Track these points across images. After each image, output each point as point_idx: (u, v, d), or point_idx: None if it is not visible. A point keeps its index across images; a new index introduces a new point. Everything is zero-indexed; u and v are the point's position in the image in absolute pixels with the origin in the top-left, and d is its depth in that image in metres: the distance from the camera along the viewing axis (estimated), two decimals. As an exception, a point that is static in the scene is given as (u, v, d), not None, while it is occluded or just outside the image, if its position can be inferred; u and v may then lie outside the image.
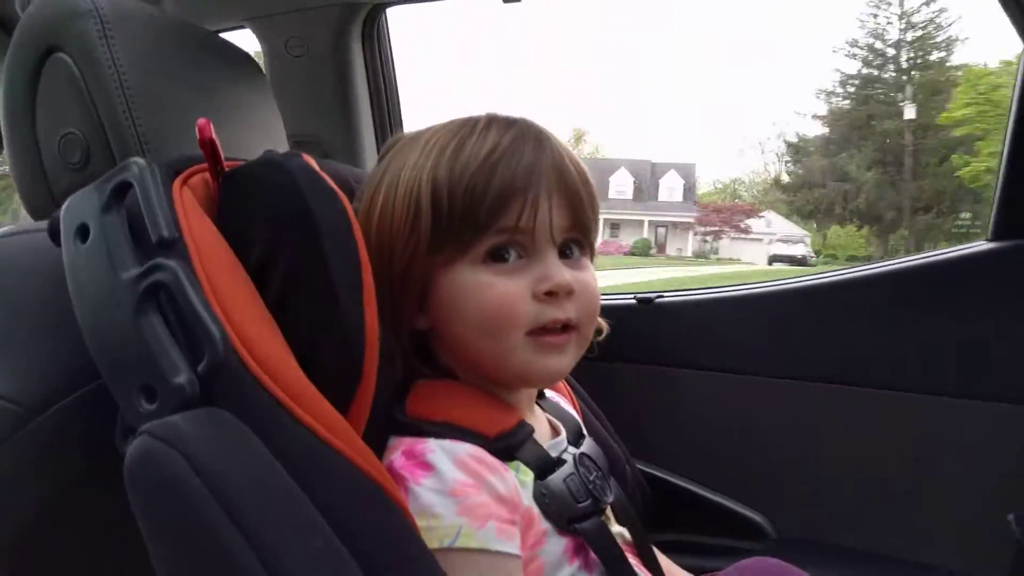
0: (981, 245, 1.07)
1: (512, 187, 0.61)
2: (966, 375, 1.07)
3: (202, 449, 0.45)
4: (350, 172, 0.79)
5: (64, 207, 0.56)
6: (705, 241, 22.90)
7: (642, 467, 1.10)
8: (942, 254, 1.10)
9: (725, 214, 22.95)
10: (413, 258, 0.62)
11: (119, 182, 0.54)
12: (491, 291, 0.61)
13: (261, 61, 1.32)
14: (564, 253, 0.65)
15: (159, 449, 0.44)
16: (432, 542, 0.54)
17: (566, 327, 0.63)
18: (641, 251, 21.47)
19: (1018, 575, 0.96)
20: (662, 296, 1.25)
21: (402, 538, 0.52)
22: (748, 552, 0.95)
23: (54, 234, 0.56)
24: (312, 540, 0.46)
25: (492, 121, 0.64)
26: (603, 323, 0.72)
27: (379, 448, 0.61)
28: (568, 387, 0.91)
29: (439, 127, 0.66)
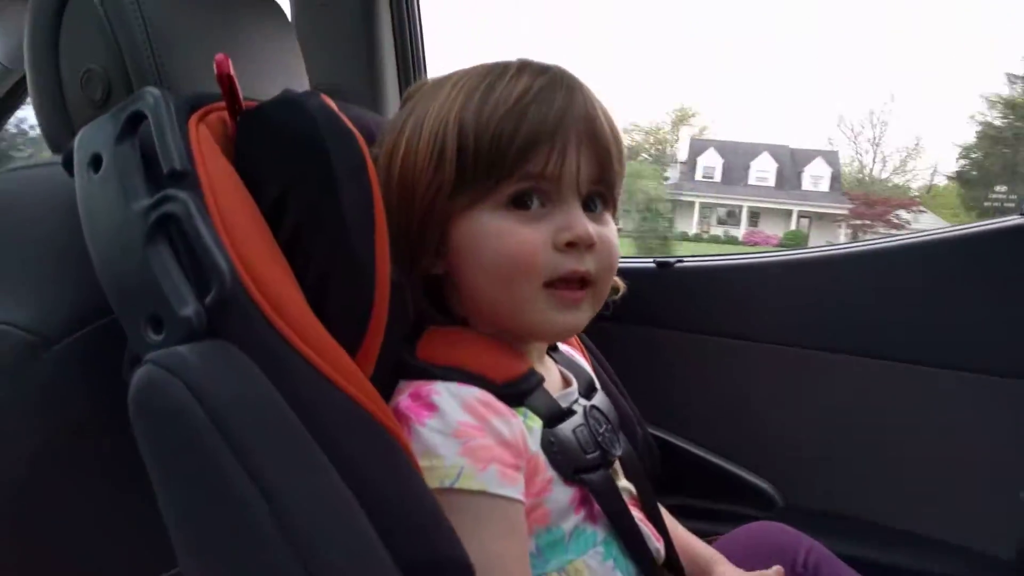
0: (1014, 219, 1.04)
1: (541, 132, 0.60)
2: (990, 350, 1.05)
3: (206, 379, 0.45)
4: (372, 118, 0.78)
5: (78, 136, 0.56)
6: (846, 235, 21.75)
7: (652, 431, 1.09)
8: (974, 227, 1.07)
9: (880, 207, 21.57)
10: (434, 201, 0.62)
11: (133, 112, 0.53)
12: (510, 238, 0.61)
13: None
14: (587, 207, 0.64)
15: (163, 377, 0.45)
16: (433, 482, 0.55)
17: (583, 282, 0.63)
18: (794, 244, 20.46)
19: None
20: (682, 260, 1.24)
21: (403, 476, 0.52)
22: (755, 519, 0.95)
23: (68, 164, 0.56)
24: (312, 474, 0.47)
25: (525, 66, 0.63)
26: (619, 282, 0.71)
27: (388, 391, 0.62)
28: (582, 345, 0.90)
29: (467, 70, 0.65)
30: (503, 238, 0.61)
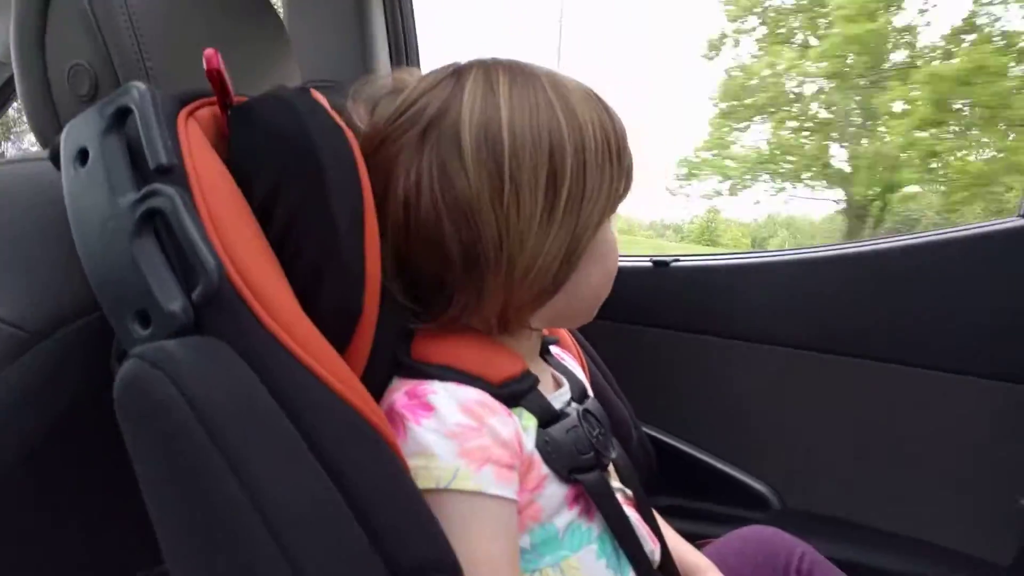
0: (1013, 221, 1.04)
1: None
2: (989, 353, 1.04)
3: (191, 374, 0.44)
4: None
5: (65, 131, 0.55)
6: None
7: (649, 431, 1.09)
8: (972, 228, 1.06)
9: None
10: (604, 206, 0.62)
11: (120, 106, 0.53)
12: (615, 240, 0.67)
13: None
14: None
15: (148, 372, 0.44)
16: (427, 482, 0.54)
17: None
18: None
19: None
20: (679, 260, 1.24)
21: (392, 477, 0.52)
22: (750, 521, 0.95)
23: (55, 158, 0.56)
24: (300, 473, 0.46)
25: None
26: None
27: (382, 388, 0.61)
28: (577, 346, 0.90)
29: (532, 74, 0.63)
30: (615, 241, 0.67)
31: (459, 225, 0.59)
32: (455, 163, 0.59)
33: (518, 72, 0.62)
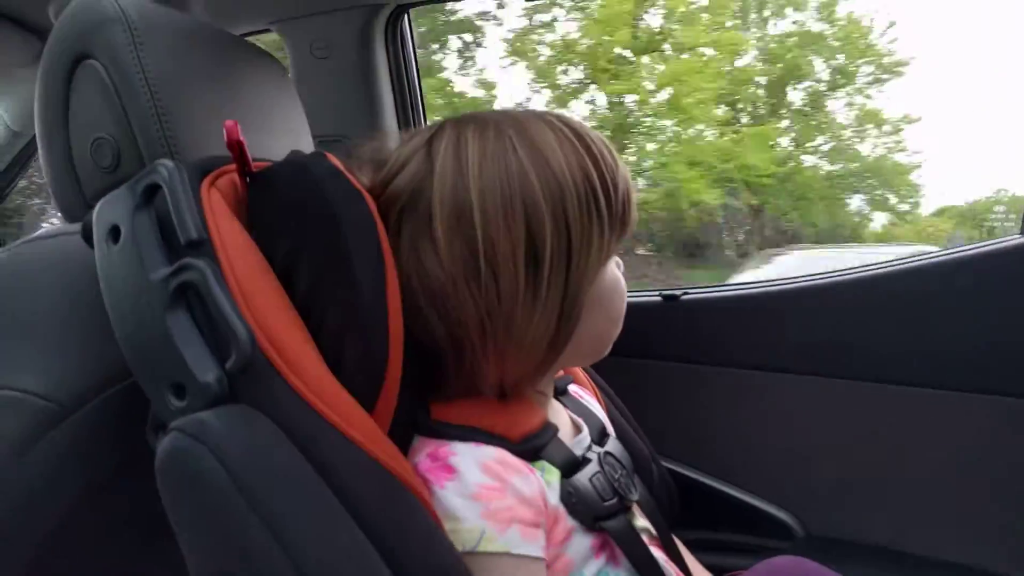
0: (1015, 239, 1.05)
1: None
2: (1002, 372, 1.05)
3: (230, 445, 0.46)
4: None
5: (96, 209, 0.57)
6: None
7: (668, 465, 1.09)
8: (974, 248, 1.08)
9: None
10: (599, 258, 0.61)
11: (148, 184, 0.55)
12: (620, 282, 0.67)
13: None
14: None
15: (188, 445, 0.46)
16: (456, 545, 0.55)
17: None
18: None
19: None
20: (688, 293, 1.25)
21: (427, 535, 0.53)
22: (775, 551, 0.94)
23: (87, 235, 0.57)
24: (338, 535, 0.47)
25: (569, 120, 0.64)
26: None
27: (404, 446, 0.61)
28: (593, 384, 0.91)
29: (503, 126, 0.61)
30: (619, 282, 0.66)
31: (439, 310, 0.59)
32: (428, 249, 0.59)
33: (488, 134, 0.60)
